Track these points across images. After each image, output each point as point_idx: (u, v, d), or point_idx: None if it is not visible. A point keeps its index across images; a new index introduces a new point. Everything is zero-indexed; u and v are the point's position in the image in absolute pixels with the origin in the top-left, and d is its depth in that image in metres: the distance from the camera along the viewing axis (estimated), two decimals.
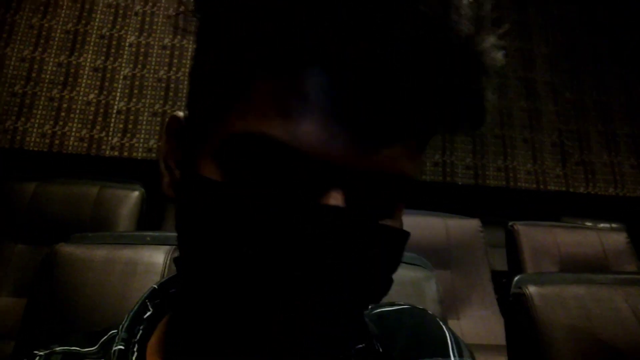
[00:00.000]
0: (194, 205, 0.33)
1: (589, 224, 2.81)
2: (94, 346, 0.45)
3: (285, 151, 0.29)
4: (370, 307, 0.50)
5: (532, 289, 0.63)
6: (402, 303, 0.51)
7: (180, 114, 0.40)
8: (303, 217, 0.30)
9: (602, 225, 2.69)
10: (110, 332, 0.45)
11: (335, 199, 0.30)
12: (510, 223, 1.75)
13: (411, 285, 0.55)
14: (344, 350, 0.36)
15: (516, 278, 0.68)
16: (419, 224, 1.67)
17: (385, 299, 0.45)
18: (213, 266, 0.32)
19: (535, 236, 1.71)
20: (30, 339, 0.50)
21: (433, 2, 0.28)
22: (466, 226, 1.70)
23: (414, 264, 0.60)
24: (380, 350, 0.44)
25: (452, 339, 0.48)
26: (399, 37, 0.28)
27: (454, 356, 0.46)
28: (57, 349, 0.45)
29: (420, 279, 0.57)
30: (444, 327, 0.49)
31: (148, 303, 0.46)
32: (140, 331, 0.43)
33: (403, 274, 0.57)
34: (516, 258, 1.68)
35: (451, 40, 0.29)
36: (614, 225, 2.79)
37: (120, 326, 0.44)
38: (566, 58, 3.41)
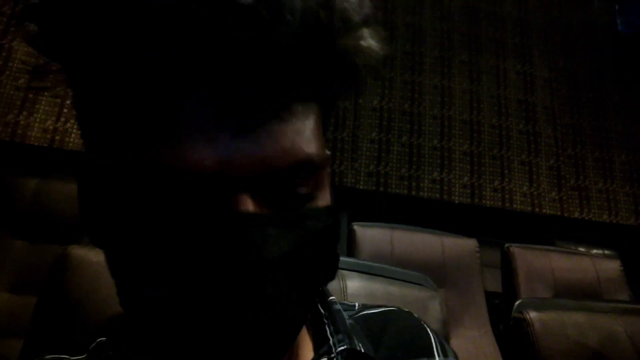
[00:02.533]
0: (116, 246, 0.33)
1: (582, 249, 2.84)
2: (83, 354, 0.45)
3: (179, 175, 0.29)
4: (357, 308, 0.51)
5: (532, 314, 0.64)
6: (388, 305, 0.52)
7: None
8: (219, 232, 0.29)
9: (595, 251, 2.71)
10: (99, 340, 0.46)
11: (244, 204, 0.30)
12: (506, 245, 1.77)
13: (415, 304, 0.56)
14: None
15: (517, 302, 0.69)
16: (416, 241, 1.68)
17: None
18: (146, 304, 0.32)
19: (530, 259, 1.73)
20: (39, 342, 0.50)
21: None
22: (463, 245, 1.71)
23: (418, 284, 0.61)
24: (362, 350, 0.44)
25: (436, 341, 0.49)
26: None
27: (439, 356, 0.47)
28: (47, 357, 0.45)
29: (425, 298, 0.58)
30: (428, 329, 0.50)
31: None
32: (128, 340, 0.44)
33: (407, 293, 0.58)
34: (511, 280, 1.69)
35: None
36: (607, 252, 2.82)
37: (111, 333, 0.45)
38: (567, 84, 3.46)
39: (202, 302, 0.30)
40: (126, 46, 0.28)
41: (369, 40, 0.35)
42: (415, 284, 0.59)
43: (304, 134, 0.32)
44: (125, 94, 0.30)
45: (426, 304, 0.57)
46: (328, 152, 0.37)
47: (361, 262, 0.63)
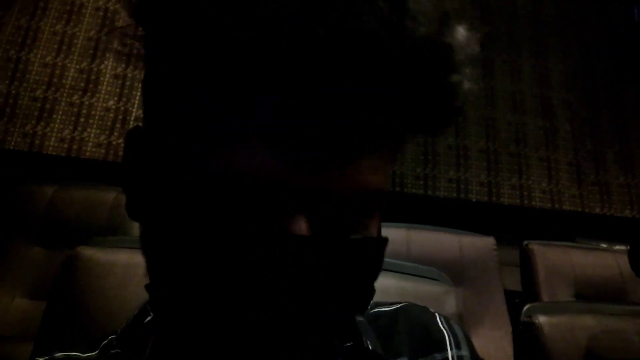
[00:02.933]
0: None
1: (604, 245, 2.78)
2: (94, 351, 0.45)
3: (249, 183, 0.28)
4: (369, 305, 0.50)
5: (542, 319, 0.63)
6: (401, 302, 0.50)
7: None
8: (270, 251, 0.28)
9: (617, 247, 2.65)
10: (111, 337, 0.46)
11: (299, 227, 0.29)
12: (525, 242, 1.73)
13: (430, 300, 0.55)
14: None
15: (526, 307, 0.68)
16: (432, 240, 1.66)
17: None
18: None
19: (550, 256, 1.69)
20: (49, 342, 0.50)
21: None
22: (480, 244, 1.69)
23: (432, 279, 0.60)
24: (370, 347, 0.43)
25: (450, 334, 0.47)
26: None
27: (451, 349, 0.46)
28: (58, 354, 0.45)
29: (440, 294, 0.56)
30: (441, 324, 0.48)
31: (149, 307, 0.46)
32: (137, 337, 0.44)
33: (422, 288, 0.57)
34: (531, 278, 1.66)
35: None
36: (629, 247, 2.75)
37: (120, 330, 0.45)
38: (583, 77, 3.40)
39: (225, 310, 0.29)
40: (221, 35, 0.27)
41: (466, 82, 0.33)
42: (429, 278, 0.58)
43: (377, 168, 0.31)
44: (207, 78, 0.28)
45: (441, 299, 0.55)
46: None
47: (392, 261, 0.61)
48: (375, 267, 0.35)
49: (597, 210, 3.12)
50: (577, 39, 3.50)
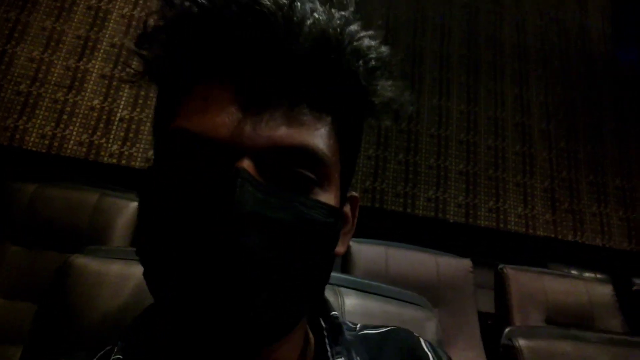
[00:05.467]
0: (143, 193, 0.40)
1: (574, 272, 2.85)
2: None
3: (199, 139, 0.36)
4: (358, 328, 0.52)
5: (521, 342, 0.65)
6: (388, 325, 0.53)
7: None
8: (221, 188, 0.35)
9: (587, 275, 2.72)
10: (107, 347, 0.47)
11: (247, 165, 0.36)
12: (500, 266, 1.77)
13: (412, 324, 0.57)
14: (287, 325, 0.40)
15: (507, 330, 0.70)
16: (411, 260, 1.69)
17: None
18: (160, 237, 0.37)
19: (523, 281, 1.73)
20: (39, 348, 0.51)
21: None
22: (457, 265, 1.72)
23: (414, 303, 0.62)
24: None
25: (434, 356, 0.50)
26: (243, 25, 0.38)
27: None
28: None
29: (422, 319, 0.58)
30: (425, 347, 0.51)
31: (146, 317, 0.47)
32: (137, 345, 0.45)
33: (406, 313, 0.58)
34: (504, 302, 1.70)
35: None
36: (599, 275, 2.83)
37: (118, 340, 0.45)
38: (563, 108, 3.50)
39: (200, 256, 0.34)
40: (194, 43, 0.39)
41: (382, 81, 0.43)
42: (412, 303, 0.60)
43: (312, 132, 0.39)
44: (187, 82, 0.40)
45: (423, 325, 0.57)
46: (355, 193, 0.47)
47: (359, 280, 0.63)
48: (329, 234, 0.40)
49: (570, 237, 3.21)
50: (560, 72, 3.61)
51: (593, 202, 3.30)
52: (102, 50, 2.82)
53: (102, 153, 2.65)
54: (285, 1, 0.37)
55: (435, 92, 3.33)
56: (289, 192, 0.37)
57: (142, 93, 2.78)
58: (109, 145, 2.67)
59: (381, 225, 3.00)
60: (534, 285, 1.73)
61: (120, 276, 0.54)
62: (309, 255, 0.38)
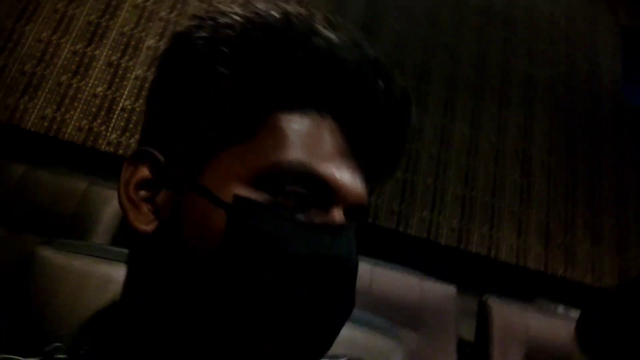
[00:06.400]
0: (238, 227, 0.37)
1: (561, 308, 2.83)
2: (36, 357, 0.44)
3: (315, 178, 0.38)
4: None
5: None
6: (353, 358, 0.52)
7: (150, 149, 0.42)
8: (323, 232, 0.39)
9: (574, 313, 2.70)
10: (55, 344, 0.45)
11: (340, 214, 0.40)
12: (484, 296, 1.75)
13: (378, 353, 0.55)
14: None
15: None
16: (395, 280, 1.67)
17: None
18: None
19: (506, 314, 1.71)
20: None
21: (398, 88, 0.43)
22: (441, 291, 1.70)
23: (383, 332, 0.60)
24: None
25: None
26: (380, 93, 0.41)
27: None
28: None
29: (390, 350, 0.57)
30: None
31: (99, 320, 0.46)
32: (86, 347, 0.43)
33: (373, 342, 0.57)
34: (485, 333, 1.68)
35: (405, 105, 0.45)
36: None
37: (66, 339, 0.44)
38: (565, 141, 3.49)
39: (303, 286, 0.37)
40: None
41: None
42: (381, 332, 0.59)
43: (367, 191, 0.45)
44: (288, 106, 0.40)
45: (389, 355, 0.56)
46: None
47: None
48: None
49: (560, 272, 3.18)
50: (566, 105, 3.61)
51: (587, 240, 3.28)
52: (111, 38, 2.82)
53: (100, 141, 2.64)
54: (404, 90, 0.44)
55: (439, 112, 3.32)
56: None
57: (147, 85, 2.77)
58: (108, 133, 2.66)
59: (372, 241, 2.98)
60: (517, 320, 1.71)
61: (82, 273, 0.52)
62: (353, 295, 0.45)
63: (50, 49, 2.71)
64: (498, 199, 3.23)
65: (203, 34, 0.40)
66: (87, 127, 2.65)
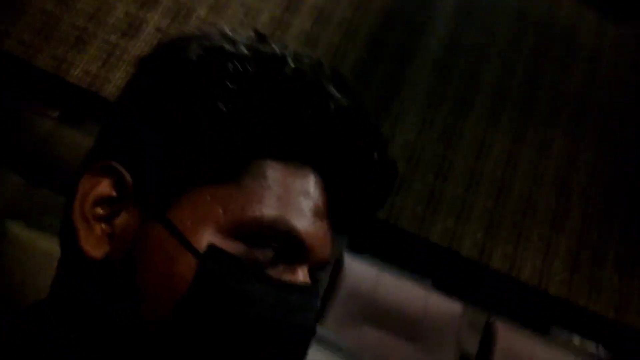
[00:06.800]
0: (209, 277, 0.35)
1: (576, 340, 2.73)
2: None
3: (292, 236, 0.37)
4: None
5: None
6: None
7: (117, 165, 0.38)
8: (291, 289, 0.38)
9: (589, 348, 2.60)
10: None
11: (305, 271, 0.39)
12: (491, 318, 1.70)
13: None
14: None
15: None
16: (400, 289, 1.64)
17: None
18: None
19: (512, 341, 1.66)
20: None
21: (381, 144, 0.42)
22: (446, 307, 1.66)
23: (343, 355, 0.58)
24: None
25: None
26: (372, 164, 0.41)
27: None
28: None
29: None
30: None
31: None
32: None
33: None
34: (486, 355, 1.63)
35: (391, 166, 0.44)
36: (602, 350, 2.69)
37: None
38: (610, 168, 3.33)
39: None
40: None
41: None
42: (341, 354, 0.56)
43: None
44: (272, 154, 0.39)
45: None
46: None
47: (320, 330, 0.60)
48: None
49: (582, 302, 3.06)
50: (618, 129, 3.43)
51: (615, 274, 3.13)
52: (163, 4, 2.85)
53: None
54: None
55: (483, 123, 3.22)
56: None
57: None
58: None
59: (392, 243, 2.94)
60: (522, 349, 1.64)
61: (47, 254, 0.52)
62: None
63: (104, 7, 2.76)
64: (529, 219, 3.12)
65: (209, 60, 0.38)
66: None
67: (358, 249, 1.77)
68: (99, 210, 0.38)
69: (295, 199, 0.38)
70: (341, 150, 0.40)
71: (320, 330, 0.61)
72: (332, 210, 0.41)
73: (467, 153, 3.14)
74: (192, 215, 0.36)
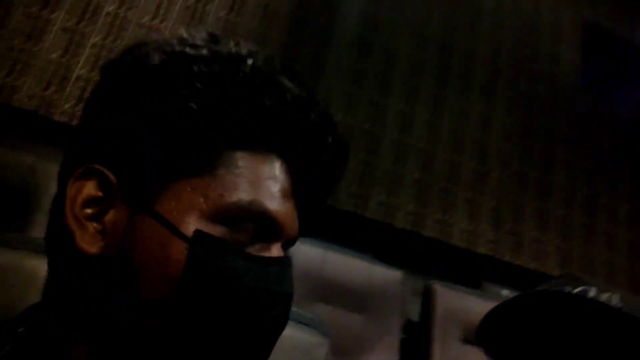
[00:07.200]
0: (197, 259, 0.39)
1: (506, 292, 2.95)
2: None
3: (266, 216, 0.42)
4: None
5: None
6: None
7: (99, 167, 0.42)
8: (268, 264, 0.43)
9: None
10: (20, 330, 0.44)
11: (279, 248, 0.44)
12: (429, 282, 1.82)
13: (301, 349, 0.58)
14: None
15: None
16: (346, 265, 1.72)
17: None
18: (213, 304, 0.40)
19: (449, 299, 1.79)
20: None
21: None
22: (389, 276, 1.76)
23: (311, 327, 0.63)
24: None
25: None
26: (327, 146, 0.47)
27: None
28: None
29: (313, 344, 0.60)
30: None
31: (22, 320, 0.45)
32: (8, 346, 0.42)
33: (296, 336, 0.60)
34: (428, 317, 1.75)
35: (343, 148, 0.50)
36: None
37: None
38: (522, 132, 3.59)
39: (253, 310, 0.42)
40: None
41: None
42: (307, 325, 0.61)
43: None
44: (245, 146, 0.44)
45: (312, 350, 0.59)
46: None
47: None
48: None
49: (507, 257, 3.32)
50: (525, 96, 3.69)
51: (534, 227, 3.41)
52: (68, 2, 2.70)
53: (53, 110, 2.56)
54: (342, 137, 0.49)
55: (403, 96, 3.35)
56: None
57: (104, 54, 2.68)
58: (62, 102, 2.58)
59: (330, 223, 3.02)
60: (459, 305, 1.78)
61: (7, 267, 0.52)
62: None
63: (2, 11, 2.58)
64: (453, 185, 3.31)
65: (175, 64, 0.42)
66: (40, 94, 2.55)
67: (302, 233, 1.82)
68: (89, 211, 0.41)
69: (265, 183, 0.42)
70: (300, 136, 0.45)
71: None
72: (297, 191, 0.46)
73: (392, 127, 3.26)
74: (177, 206, 0.40)
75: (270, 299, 0.42)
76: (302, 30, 3.17)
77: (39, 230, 1.26)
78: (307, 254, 1.70)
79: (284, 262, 0.44)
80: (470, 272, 3.05)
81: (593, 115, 3.84)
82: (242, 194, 0.41)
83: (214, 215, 0.40)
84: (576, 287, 0.54)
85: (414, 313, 2.22)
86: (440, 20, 3.62)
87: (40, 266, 0.56)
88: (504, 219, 3.37)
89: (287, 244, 0.46)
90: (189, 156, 0.41)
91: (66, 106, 2.57)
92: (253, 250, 0.42)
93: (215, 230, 0.40)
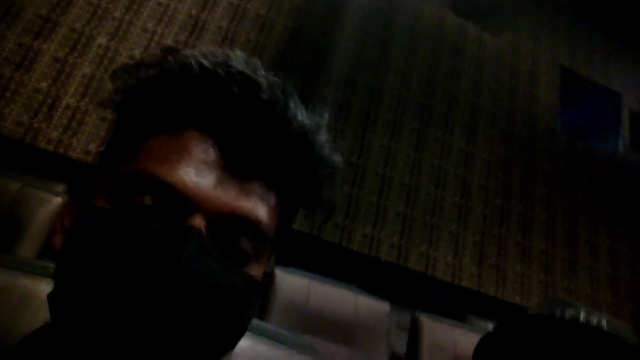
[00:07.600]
0: (85, 228, 0.40)
1: (490, 326, 2.95)
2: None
3: (162, 186, 0.39)
4: None
5: None
6: None
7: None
8: (169, 238, 0.37)
9: None
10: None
11: (199, 223, 0.38)
12: (416, 313, 1.82)
13: None
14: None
15: None
16: (332, 295, 1.71)
17: None
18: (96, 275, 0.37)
19: (436, 331, 1.79)
20: None
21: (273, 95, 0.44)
22: (375, 307, 1.75)
23: (304, 351, 0.63)
24: None
25: None
26: (249, 112, 0.43)
27: None
28: None
29: None
30: None
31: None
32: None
33: (275, 353, 0.60)
34: (415, 349, 1.74)
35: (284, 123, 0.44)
36: None
37: None
38: (503, 168, 3.67)
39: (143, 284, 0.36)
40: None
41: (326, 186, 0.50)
42: (301, 351, 0.62)
43: (262, 207, 0.43)
44: (155, 128, 0.43)
45: None
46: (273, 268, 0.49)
47: (254, 321, 0.64)
48: (247, 305, 0.43)
49: (492, 291, 3.34)
50: (505, 134, 3.80)
51: (517, 262, 3.45)
52: (60, 33, 2.74)
53: (40, 137, 2.55)
54: (281, 97, 0.44)
55: (387, 133, 3.42)
56: (229, 260, 0.40)
57: (94, 84, 2.71)
58: (49, 130, 2.57)
59: (315, 255, 3.02)
60: (446, 337, 1.78)
61: (27, 294, 0.52)
62: (229, 319, 0.41)
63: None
64: (437, 219, 3.35)
65: (138, 82, 0.46)
66: (27, 122, 2.55)
67: (287, 263, 1.82)
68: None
69: (174, 156, 0.41)
70: (212, 106, 0.43)
71: (263, 324, 0.66)
72: (233, 165, 0.42)
73: (377, 161, 3.32)
74: (102, 192, 0.42)
75: (147, 269, 0.37)
76: (290, 65, 3.24)
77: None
78: (291, 283, 1.69)
79: (183, 232, 0.38)
80: (455, 305, 3.06)
81: (571, 153, 3.96)
82: (149, 166, 0.40)
83: (109, 191, 0.41)
84: (564, 310, 0.56)
85: (399, 346, 2.20)
86: (424, 60, 3.74)
87: (34, 287, 0.56)
88: (487, 253, 3.40)
89: (225, 224, 0.40)
90: (120, 150, 0.44)
91: (53, 134, 2.57)
92: (157, 221, 0.39)
93: (115, 204, 0.40)
